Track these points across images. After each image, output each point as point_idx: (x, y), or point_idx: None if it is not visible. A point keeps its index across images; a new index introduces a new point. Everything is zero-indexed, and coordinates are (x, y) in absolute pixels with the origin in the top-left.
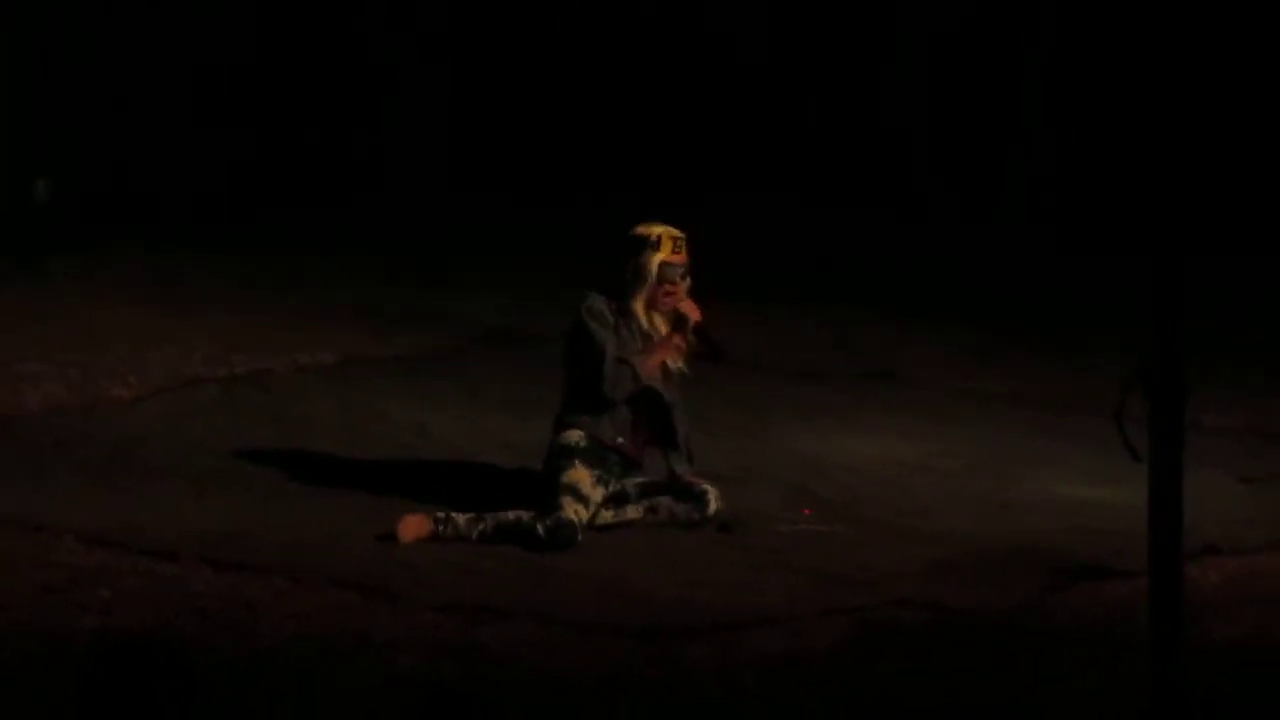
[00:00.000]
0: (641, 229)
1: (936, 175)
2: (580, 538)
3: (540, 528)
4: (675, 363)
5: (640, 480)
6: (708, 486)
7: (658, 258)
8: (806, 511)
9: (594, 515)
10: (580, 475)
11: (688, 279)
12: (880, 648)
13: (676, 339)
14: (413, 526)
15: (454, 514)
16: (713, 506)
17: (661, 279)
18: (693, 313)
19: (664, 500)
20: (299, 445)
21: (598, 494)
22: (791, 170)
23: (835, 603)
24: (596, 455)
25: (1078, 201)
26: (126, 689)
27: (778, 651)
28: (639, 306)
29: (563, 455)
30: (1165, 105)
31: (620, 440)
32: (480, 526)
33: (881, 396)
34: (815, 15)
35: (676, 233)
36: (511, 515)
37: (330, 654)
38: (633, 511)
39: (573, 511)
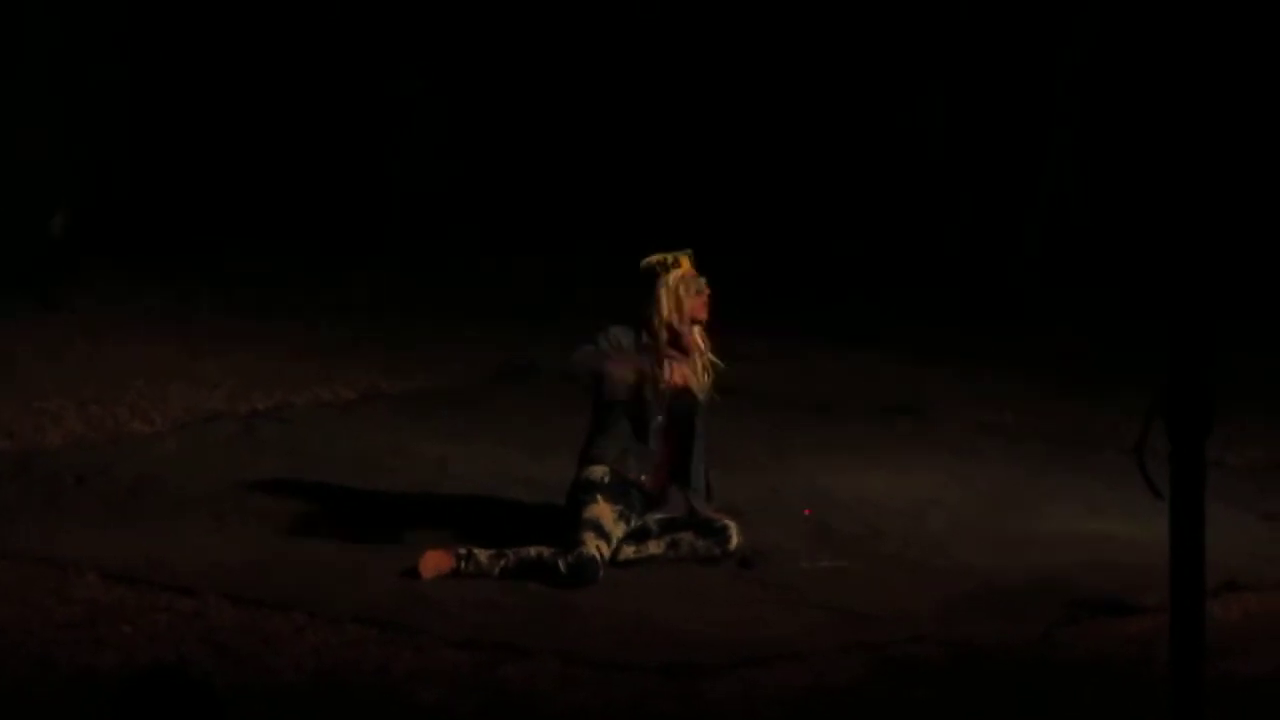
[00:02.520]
0: (652, 259)
1: (956, 211)
2: (602, 574)
3: (562, 564)
4: (699, 389)
5: (661, 516)
6: (729, 522)
7: (678, 275)
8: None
9: (616, 551)
10: (603, 511)
11: (706, 296)
12: (900, 683)
13: (670, 351)
14: (434, 562)
15: (476, 550)
16: (734, 542)
17: (697, 291)
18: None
19: (685, 536)
20: (319, 480)
21: (620, 530)
22: (807, 203)
23: (854, 638)
24: (619, 491)
25: (1100, 233)
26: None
27: (798, 687)
28: (674, 326)
29: (585, 490)
30: (1190, 139)
31: (644, 478)
32: (502, 562)
33: (899, 431)
34: (836, 44)
35: (685, 251)
36: (533, 551)
37: (350, 689)
38: (654, 547)
39: (594, 548)
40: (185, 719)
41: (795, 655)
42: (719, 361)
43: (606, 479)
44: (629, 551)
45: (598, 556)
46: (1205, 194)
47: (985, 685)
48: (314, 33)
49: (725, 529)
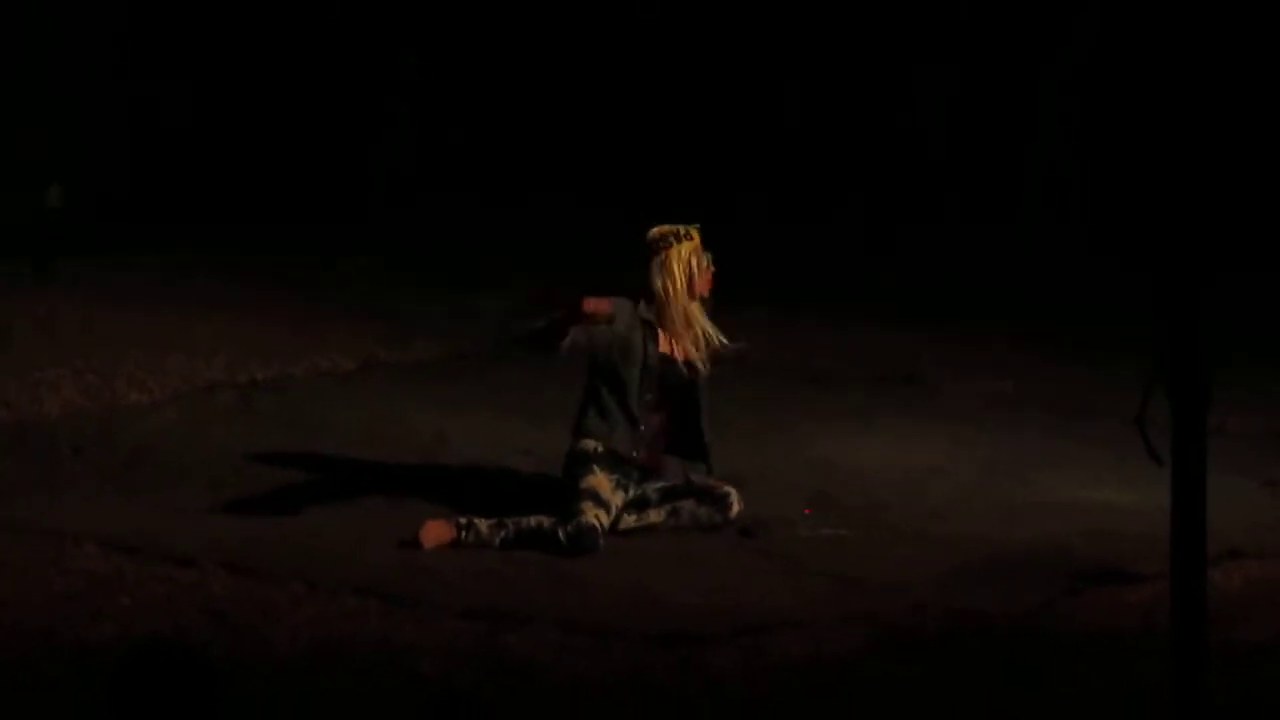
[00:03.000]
0: (662, 229)
1: (955, 178)
2: (602, 543)
3: (562, 533)
4: (701, 360)
5: (660, 485)
6: (730, 489)
7: (690, 246)
8: (807, 511)
9: (615, 520)
10: (599, 481)
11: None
12: (900, 652)
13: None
14: (434, 532)
15: (476, 520)
16: (735, 509)
17: (704, 266)
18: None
19: (686, 504)
20: (318, 451)
21: (618, 498)
22: (808, 175)
23: (855, 607)
24: (614, 461)
25: (1097, 203)
26: (146, 695)
27: (798, 656)
28: (681, 303)
29: (580, 462)
30: (1185, 102)
31: (635, 454)
32: (502, 533)
33: (899, 400)
34: (836, 22)
35: (693, 226)
36: (533, 521)
37: (349, 660)
38: (654, 515)
39: (594, 516)
40: (182, 692)
41: (795, 624)
42: (725, 341)
43: (599, 449)
44: (630, 520)
45: (597, 525)
46: (1198, 160)
47: (985, 655)
48: (310, 9)
49: (726, 496)
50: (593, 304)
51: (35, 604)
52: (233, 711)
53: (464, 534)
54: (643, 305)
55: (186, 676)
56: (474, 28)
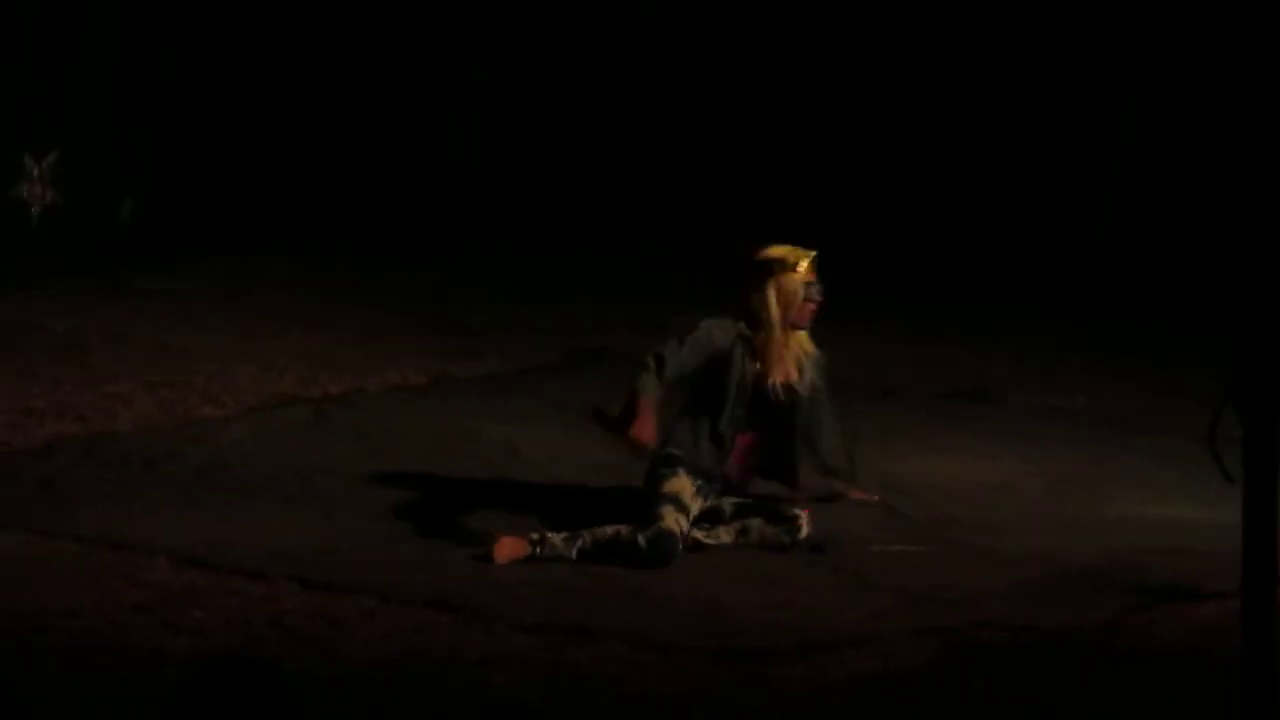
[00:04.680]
0: (773, 252)
1: (1028, 190)
2: (681, 548)
3: (642, 538)
4: (798, 385)
5: (736, 500)
6: (799, 511)
7: (796, 279)
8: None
9: (687, 532)
10: (682, 485)
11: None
12: (969, 668)
13: (644, 438)
14: (508, 548)
15: (549, 534)
16: (804, 531)
17: (807, 298)
18: (639, 443)
19: (755, 523)
20: (389, 465)
21: (697, 505)
22: (877, 192)
23: (923, 623)
24: (698, 469)
25: (1172, 218)
26: (219, 708)
27: (867, 672)
28: (775, 330)
29: (666, 464)
30: (1264, 116)
31: (718, 470)
32: (579, 543)
33: (966, 416)
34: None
35: (809, 253)
36: (610, 530)
37: (420, 673)
38: (724, 535)
39: (673, 522)
40: (254, 705)
41: (864, 640)
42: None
43: (686, 456)
44: (699, 535)
45: (677, 530)
46: (1267, 172)
47: (1053, 671)
48: (382, 16)
49: (795, 518)
50: (639, 434)
51: (107, 616)
52: None
53: (538, 549)
54: (742, 323)
55: (259, 689)
56: (551, 40)
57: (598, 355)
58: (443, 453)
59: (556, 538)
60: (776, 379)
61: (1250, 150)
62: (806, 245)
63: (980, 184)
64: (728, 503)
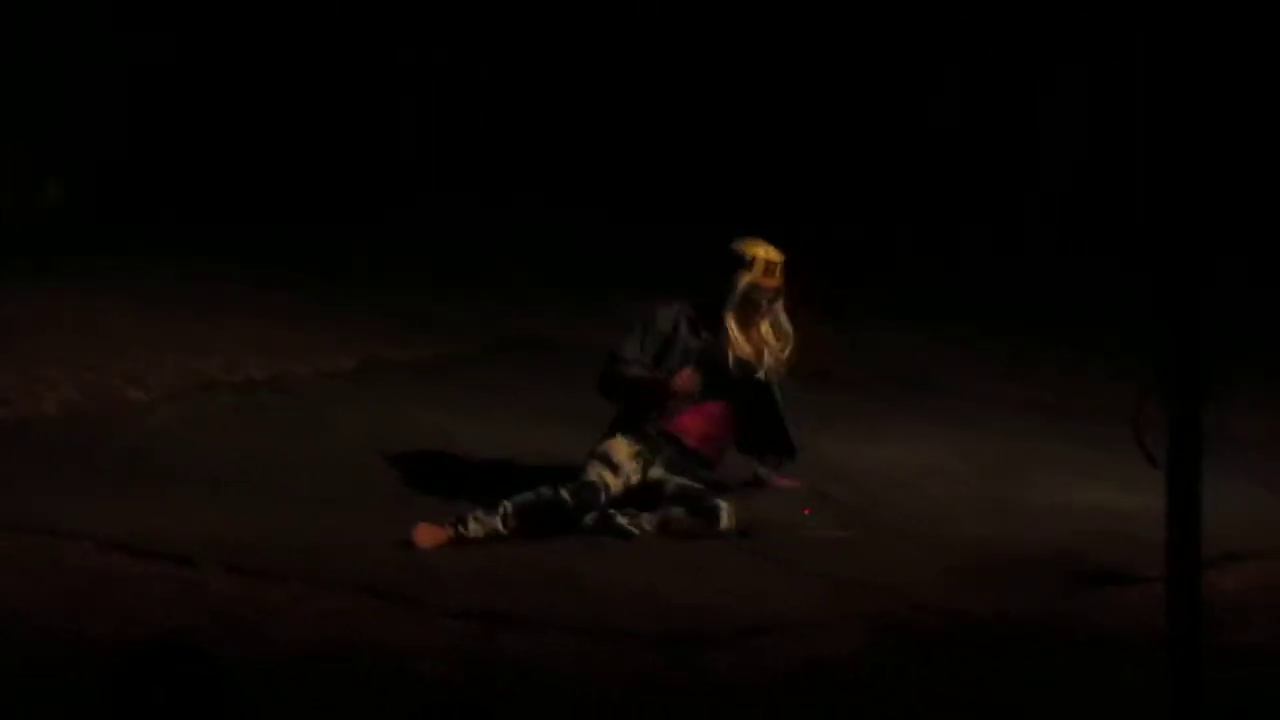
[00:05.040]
0: (741, 246)
1: (959, 179)
2: (604, 500)
3: (564, 492)
4: (773, 370)
5: (681, 481)
6: (720, 503)
7: (746, 279)
8: (806, 511)
9: (611, 509)
10: (617, 445)
11: (777, 303)
12: (900, 654)
13: (686, 379)
14: (428, 534)
15: (469, 514)
16: (724, 523)
17: (746, 300)
18: (685, 385)
19: (677, 512)
20: (318, 450)
21: (632, 467)
22: (816, 181)
23: (855, 609)
24: (644, 435)
25: (1099, 204)
26: (149, 693)
27: (799, 658)
28: (731, 322)
29: (609, 428)
30: (1183, 103)
31: (659, 434)
32: (501, 512)
33: (901, 402)
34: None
35: (774, 256)
36: (529, 494)
37: (348, 660)
38: (646, 523)
39: (597, 475)
40: (185, 691)
41: (797, 625)
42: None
43: (625, 420)
44: (622, 522)
45: (599, 483)
46: (1199, 160)
47: (985, 656)
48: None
49: (715, 509)
50: (684, 383)
51: (34, 601)
52: (233, 710)
53: (460, 528)
54: (688, 303)
55: (189, 675)
56: (492, 24)
57: (534, 343)
58: (372, 438)
59: (477, 513)
60: (734, 354)
61: (1175, 135)
62: (765, 240)
63: (919, 165)
64: (673, 482)
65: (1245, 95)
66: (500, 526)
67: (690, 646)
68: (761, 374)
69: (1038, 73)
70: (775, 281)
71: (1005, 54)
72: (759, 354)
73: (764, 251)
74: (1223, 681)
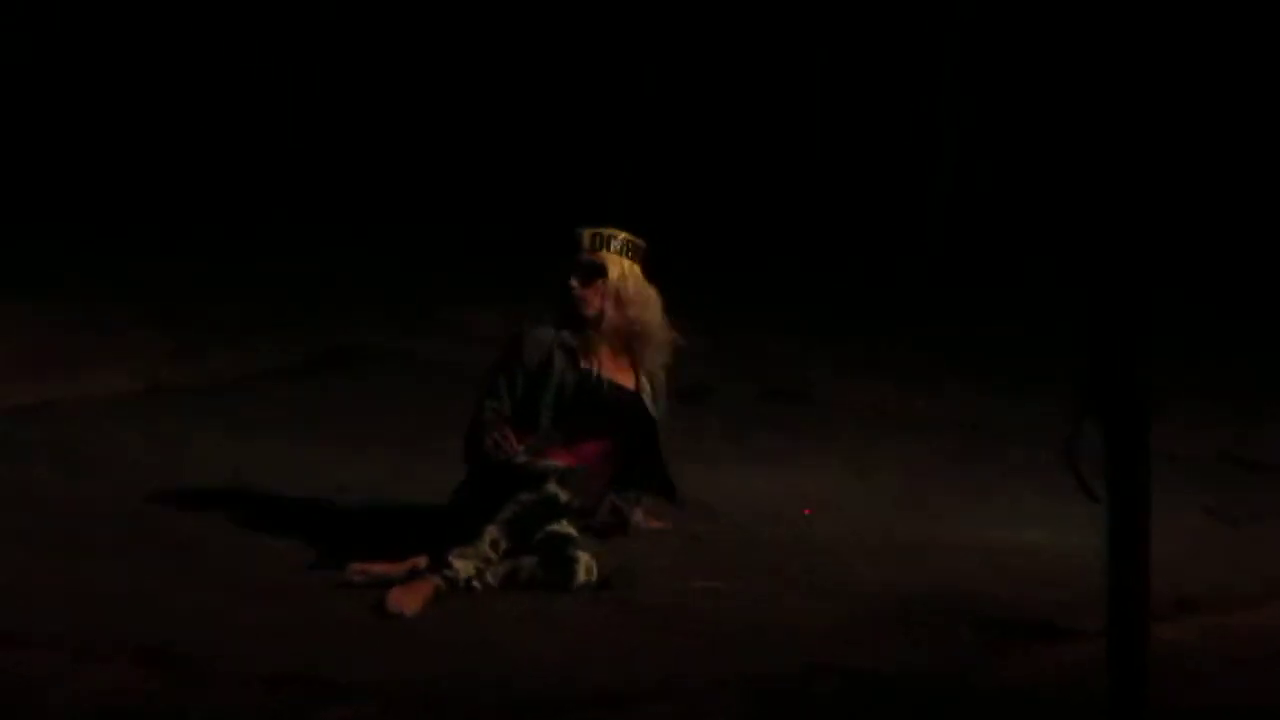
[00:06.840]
0: (591, 231)
1: (858, 196)
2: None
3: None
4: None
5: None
6: (580, 554)
7: (627, 267)
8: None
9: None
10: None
11: (596, 282)
12: None
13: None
14: (407, 597)
15: (448, 555)
16: (580, 579)
17: (565, 274)
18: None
19: (527, 563)
20: (94, 489)
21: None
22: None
23: (731, 670)
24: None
25: (1016, 213)
26: None
27: None
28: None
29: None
30: (1120, 116)
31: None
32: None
33: (784, 418)
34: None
35: (605, 231)
36: (512, 504)
37: None
38: (490, 576)
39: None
40: None
41: (662, 691)
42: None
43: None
44: (469, 569)
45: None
46: (1129, 169)
47: None
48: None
49: (571, 562)
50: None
51: None
52: None
53: (446, 573)
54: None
55: None
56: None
57: (339, 357)
58: (158, 473)
59: (454, 550)
60: (602, 375)
61: (1112, 145)
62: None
63: (799, 167)
64: (543, 530)
65: (1180, 111)
66: (490, 552)
67: (540, 716)
68: (648, 393)
69: (918, 54)
70: (599, 255)
71: (877, 33)
72: (623, 370)
73: (594, 228)
74: None
